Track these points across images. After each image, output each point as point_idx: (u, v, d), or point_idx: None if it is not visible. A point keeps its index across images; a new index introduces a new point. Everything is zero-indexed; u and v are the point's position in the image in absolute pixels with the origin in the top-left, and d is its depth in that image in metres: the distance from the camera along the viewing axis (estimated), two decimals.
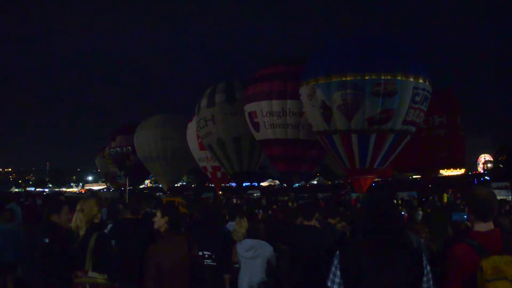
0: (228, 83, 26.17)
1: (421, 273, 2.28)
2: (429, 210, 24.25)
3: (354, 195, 33.54)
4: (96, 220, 3.99)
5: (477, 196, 2.51)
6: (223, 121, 24.91)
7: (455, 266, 2.41)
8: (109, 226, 5.79)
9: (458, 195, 33.97)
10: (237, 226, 5.77)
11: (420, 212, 16.79)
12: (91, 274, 3.63)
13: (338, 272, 2.35)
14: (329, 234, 4.84)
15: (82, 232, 3.83)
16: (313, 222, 4.54)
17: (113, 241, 4.22)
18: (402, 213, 13.80)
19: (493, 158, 69.82)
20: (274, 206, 24.82)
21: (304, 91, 19.25)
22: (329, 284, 2.38)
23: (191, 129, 29.36)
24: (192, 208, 22.29)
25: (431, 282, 2.31)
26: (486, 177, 53.32)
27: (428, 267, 2.31)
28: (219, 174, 29.91)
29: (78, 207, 3.94)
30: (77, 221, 3.85)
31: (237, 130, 24.68)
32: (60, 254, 3.81)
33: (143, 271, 3.43)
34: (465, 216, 2.65)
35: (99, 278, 3.62)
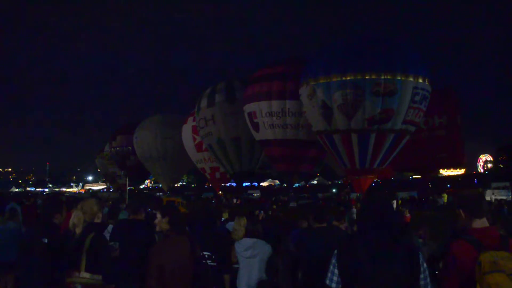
0: (228, 83, 26.14)
1: (418, 270, 2.31)
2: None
3: (354, 195, 33.52)
4: (97, 220, 3.95)
5: (466, 196, 2.77)
6: (223, 121, 24.89)
7: (455, 262, 2.48)
8: (110, 226, 5.79)
9: None
10: (236, 225, 5.78)
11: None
12: (83, 274, 3.58)
13: (336, 271, 2.37)
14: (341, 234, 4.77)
15: (78, 231, 3.79)
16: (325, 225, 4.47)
17: (117, 243, 4.15)
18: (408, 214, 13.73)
19: (493, 158, 69.89)
20: (274, 206, 24.83)
21: (304, 91, 19.27)
22: (327, 282, 2.40)
23: (186, 131, 29.29)
24: (192, 208, 22.28)
25: (428, 280, 2.34)
26: (486, 177, 53.27)
27: (425, 265, 2.34)
28: (217, 175, 29.87)
29: (78, 206, 3.94)
30: (74, 219, 3.83)
31: (237, 130, 24.67)
32: (58, 254, 3.79)
33: (143, 272, 3.40)
34: None
35: (89, 279, 3.56)
